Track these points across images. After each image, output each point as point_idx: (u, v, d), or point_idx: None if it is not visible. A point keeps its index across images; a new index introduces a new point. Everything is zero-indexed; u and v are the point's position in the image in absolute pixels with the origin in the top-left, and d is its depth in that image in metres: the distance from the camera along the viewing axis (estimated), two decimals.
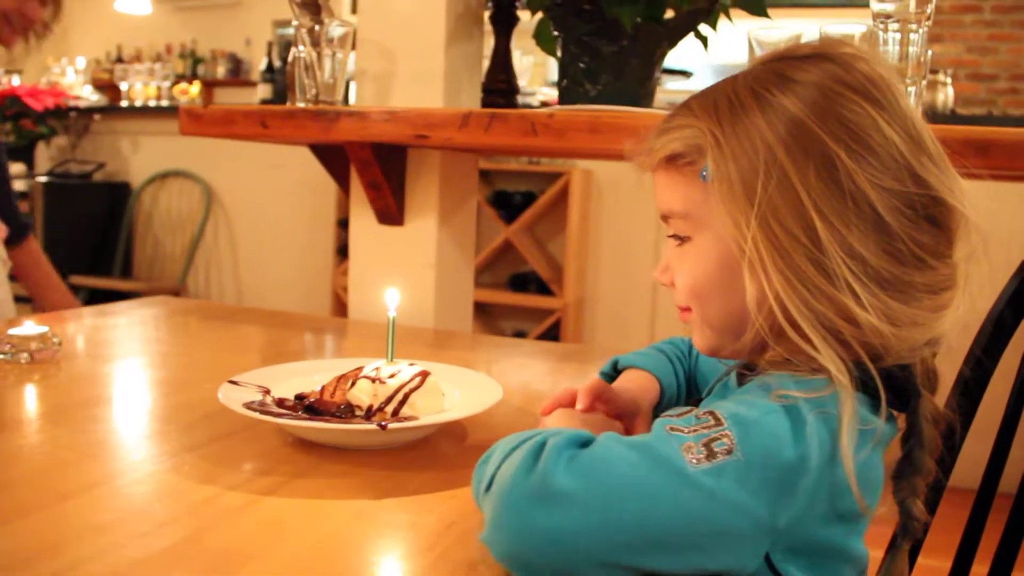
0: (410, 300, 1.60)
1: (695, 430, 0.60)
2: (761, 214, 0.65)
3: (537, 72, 3.91)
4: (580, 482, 0.56)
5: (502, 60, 1.76)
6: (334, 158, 1.63)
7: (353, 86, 1.63)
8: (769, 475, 0.58)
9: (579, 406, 0.83)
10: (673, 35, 1.53)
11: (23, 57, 1.88)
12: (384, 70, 1.56)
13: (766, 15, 1.48)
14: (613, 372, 0.99)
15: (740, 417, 0.60)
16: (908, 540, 0.75)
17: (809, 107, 0.67)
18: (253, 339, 1.43)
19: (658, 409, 0.93)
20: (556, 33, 1.55)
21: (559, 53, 1.56)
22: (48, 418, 0.91)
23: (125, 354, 1.26)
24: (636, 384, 0.93)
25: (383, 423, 0.77)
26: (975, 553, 1.01)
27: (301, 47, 1.47)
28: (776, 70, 0.71)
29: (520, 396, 1.08)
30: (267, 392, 0.89)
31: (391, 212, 1.55)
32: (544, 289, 3.86)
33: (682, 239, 0.74)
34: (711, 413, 0.61)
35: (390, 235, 1.60)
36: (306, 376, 0.94)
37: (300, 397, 0.89)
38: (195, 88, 4.44)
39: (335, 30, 1.49)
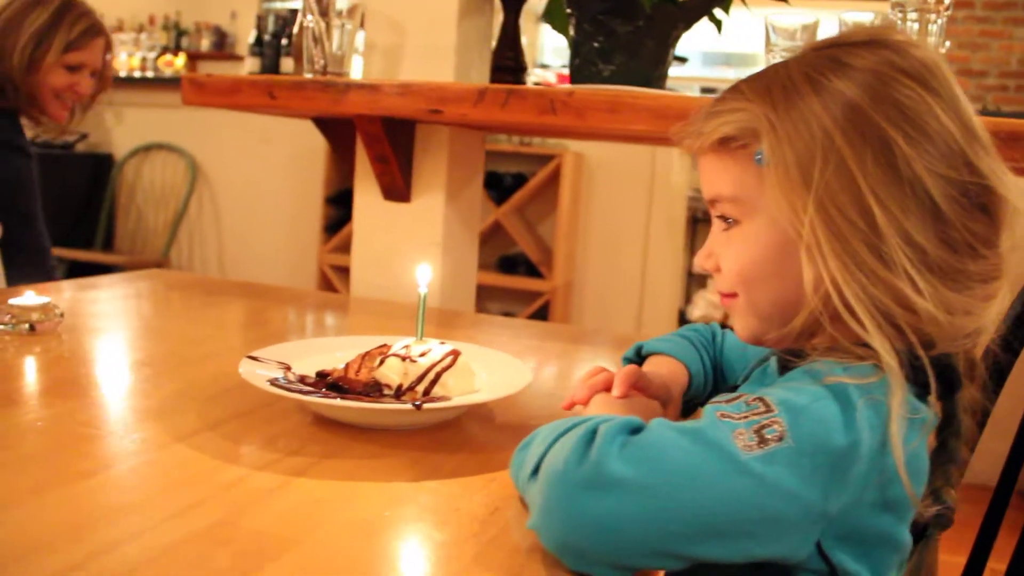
0: (414, 277, 1.57)
1: (746, 416, 0.59)
2: (818, 198, 0.64)
3: (528, 53, 3.87)
4: (634, 469, 0.55)
5: (511, 37, 1.73)
6: (339, 131, 1.59)
7: (358, 60, 1.59)
8: (820, 461, 0.57)
9: (616, 393, 0.81)
10: (689, 17, 1.50)
11: (71, 125, 1.87)
12: (393, 43, 1.52)
13: (785, 0, 1.46)
14: (636, 358, 0.98)
15: (790, 403, 0.59)
16: (940, 530, 0.74)
17: (865, 92, 0.66)
18: (255, 314, 1.40)
19: (687, 396, 0.92)
20: (569, 11, 1.52)
21: (572, 32, 1.53)
22: (57, 392, 0.87)
23: (127, 327, 1.22)
24: (667, 371, 0.91)
25: (417, 403, 0.74)
26: (991, 549, 1.00)
27: (310, 16, 1.43)
28: (830, 56, 0.70)
29: (541, 377, 1.06)
30: (288, 368, 0.86)
31: (398, 188, 1.52)
32: (533, 271, 3.83)
33: (729, 224, 0.72)
34: (761, 399, 0.60)
35: (396, 211, 1.57)
36: (327, 353, 0.91)
37: (322, 374, 0.86)
38: (180, 60, 4.36)
39: (344, 0, 1.45)
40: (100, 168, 4.19)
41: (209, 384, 0.91)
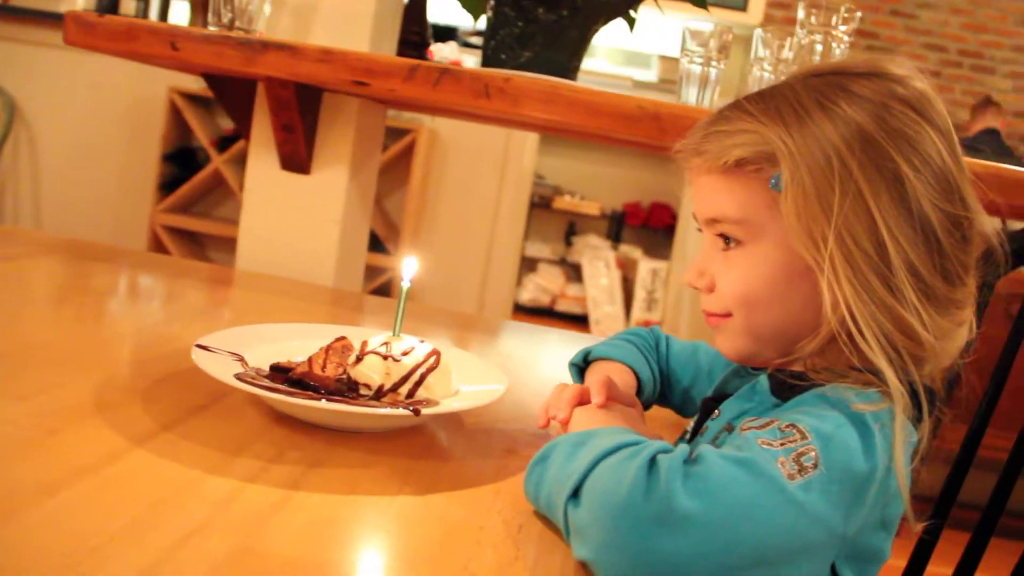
0: (309, 255, 1.48)
1: (783, 444, 0.59)
2: (836, 228, 0.65)
3: None
4: (700, 503, 0.53)
5: (418, 11, 1.66)
6: (236, 91, 1.46)
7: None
8: (846, 487, 0.59)
9: (596, 401, 0.79)
10: (610, 12, 1.50)
11: None
12: (305, 3, 1.42)
13: (706, 8, 1.49)
14: (583, 364, 0.97)
15: (820, 431, 0.60)
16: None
17: (876, 122, 0.67)
18: (146, 288, 1.27)
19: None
20: None
21: (490, 13, 1.49)
22: None
23: (23, 300, 1.06)
24: (622, 379, 0.90)
25: (415, 408, 0.69)
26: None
27: None
28: (836, 83, 0.70)
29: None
30: (243, 360, 0.78)
31: (299, 159, 1.42)
32: (378, 246, 3.74)
33: (729, 245, 0.72)
34: (794, 426, 0.60)
35: (294, 183, 1.47)
36: (277, 343, 0.84)
37: (279, 368, 0.79)
38: None
39: None
40: None
41: (137, 373, 0.81)
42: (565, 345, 1.38)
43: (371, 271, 3.76)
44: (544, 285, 6.06)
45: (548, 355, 1.30)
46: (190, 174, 3.43)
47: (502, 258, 4.00)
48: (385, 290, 3.76)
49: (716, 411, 0.78)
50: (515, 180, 3.95)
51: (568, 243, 6.26)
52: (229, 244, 3.59)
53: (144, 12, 3.16)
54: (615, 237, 6.15)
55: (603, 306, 5.78)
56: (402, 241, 3.76)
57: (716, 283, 0.74)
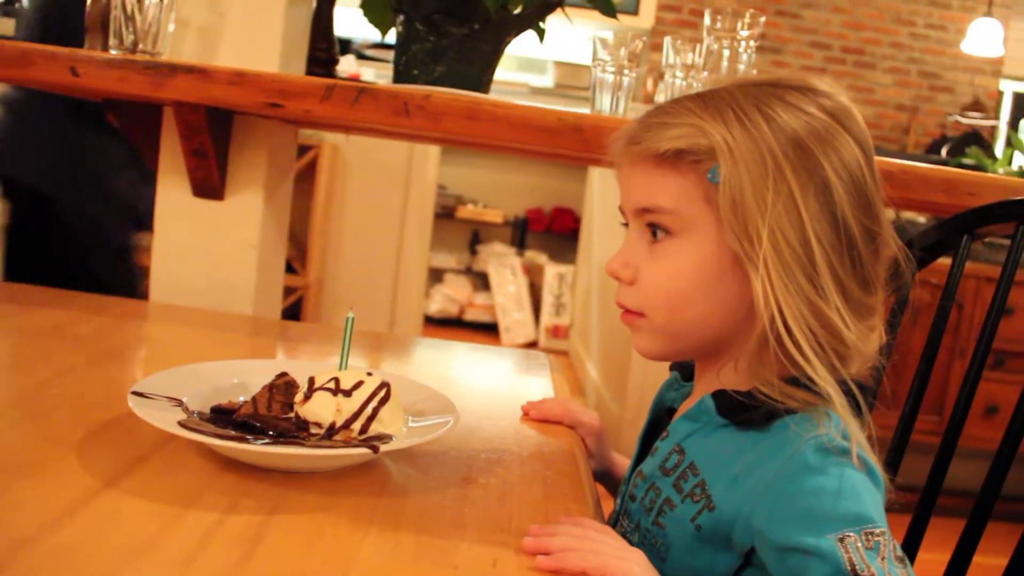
0: (227, 282, 1.43)
1: (877, 552, 0.61)
2: (769, 225, 0.67)
3: None
4: None
5: (324, 27, 1.63)
6: (139, 116, 1.40)
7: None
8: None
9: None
10: (521, 25, 1.50)
11: None
12: (210, 24, 1.37)
13: (615, 16, 1.50)
14: None
15: (864, 509, 0.63)
16: None
17: (810, 133, 0.71)
18: (57, 328, 1.20)
19: None
20: (398, 7, 1.46)
21: (400, 29, 1.47)
22: None
23: None
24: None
25: (373, 446, 0.67)
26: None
27: None
28: (772, 92, 0.73)
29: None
30: (183, 406, 0.74)
31: (212, 184, 1.37)
32: (286, 266, 3.65)
33: (657, 237, 0.74)
34: (871, 534, 0.61)
35: (207, 209, 1.41)
36: (214, 382, 0.80)
37: (221, 410, 0.75)
38: None
39: None
40: None
41: (67, 425, 0.76)
42: (488, 359, 1.37)
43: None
44: (452, 295, 6.04)
45: (477, 372, 1.29)
46: None
47: (410, 271, 3.97)
48: (295, 309, 3.68)
49: (664, 432, 0.79)
50: (419, 191, 3.92)
51: (473, 252, 6.26)
52: None
53: None
54: (519, 244, 6.18)
55: (512, 313, 5.80)
56: (310, 259, 3.69)
57: (639, 275, 0.75)
